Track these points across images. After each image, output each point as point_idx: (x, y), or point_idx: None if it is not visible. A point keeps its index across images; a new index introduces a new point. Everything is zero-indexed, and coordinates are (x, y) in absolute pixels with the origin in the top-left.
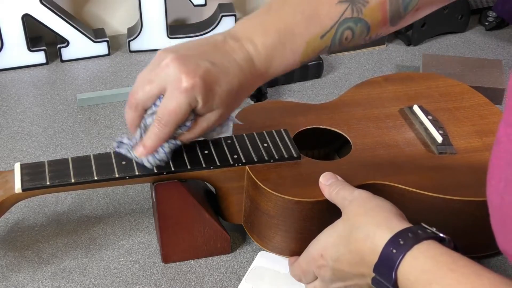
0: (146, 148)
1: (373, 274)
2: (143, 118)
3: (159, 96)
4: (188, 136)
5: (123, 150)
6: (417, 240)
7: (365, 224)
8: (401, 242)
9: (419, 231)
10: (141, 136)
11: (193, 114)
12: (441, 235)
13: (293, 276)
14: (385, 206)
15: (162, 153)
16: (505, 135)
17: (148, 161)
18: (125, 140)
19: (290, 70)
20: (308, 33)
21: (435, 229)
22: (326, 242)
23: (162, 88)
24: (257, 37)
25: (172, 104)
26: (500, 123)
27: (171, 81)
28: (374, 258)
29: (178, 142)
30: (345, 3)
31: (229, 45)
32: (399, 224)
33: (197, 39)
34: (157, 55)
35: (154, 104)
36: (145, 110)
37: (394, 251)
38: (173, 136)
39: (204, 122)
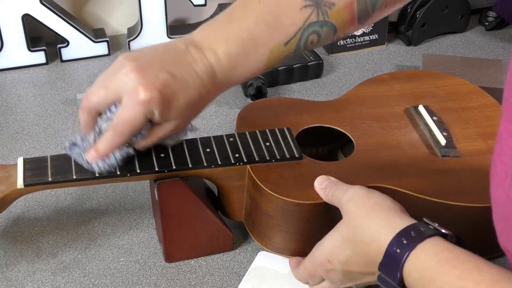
0: (98, 153)
1: (379, 272)
2: (98, 123)
3: (115, 103)
4: (143, 143)
5: (74, 154)
6: (420, 238)
7: (368, 227)
8: (405, 242)
9: (421, 229)
10: (94, 140)
11: (150, 123)
12: (443, 230)
13: (298, 279)
14: (384, 203)
15: (113, 159)
16: (506, 131)
17: (98, 166)
18: (79, 141)
19: (254, 77)
20: (272, 41)
21: (437, 224)
22: (332, 247)
23: (118, 96)
24: (219, 47)
25: (128, 115)
26: (501, 120)
27: (128, 92)
28: (382, 258)
29: (131, 151)
30: (310, 7)
31: (191, 55)
32: (401, 222)
33: (159, 46)
34: (117, 60)
35: (110, 110)
36: (99, 114)
37: (398, 250)
38: (127, 143)
39: (161, 131)
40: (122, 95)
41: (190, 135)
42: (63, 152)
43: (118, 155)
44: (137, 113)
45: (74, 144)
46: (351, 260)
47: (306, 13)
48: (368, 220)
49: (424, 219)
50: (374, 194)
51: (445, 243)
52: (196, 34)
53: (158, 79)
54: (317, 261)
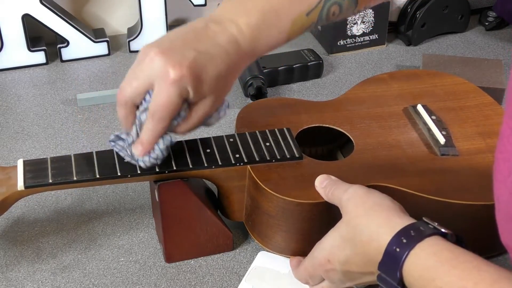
0: (143, 145)
1: (378, 272)
2: (137, 116)
3: (148, 91)
4: (185, 126)
5: (117, 148)
6: (420, 237)
7: (367, 226)
8: (404, 241)
9: (421, 228)
10: (137, 134)
11: (187, 104)
12: (443, 230)
13: (298, 279)
14: (383, 203)
15: (158, 150)
16: (509, 128)
17: (143, 161)
18: (124, 135)
19: (278, 47)
20: (293, 11)
21: (436, 224)
22: (332, 247)
23: (149, 83)
24: (240, 18)
25: (163, 98)
26: (503, 117)
27: (158, 75)
28: (381, 257)
29: (173, 140)
30: None
31: (211, 29)
32: (400, 221)
33: (178, 29)
34: (141, 51)
35: (145, 100)
36: (137, 107)
37: (398, 250)
38: (170, 129)
39: (200, 110)
40: (153, 81)
41: (228, 112)
42: (63, 152)
43: (162, 145)
44: (172, 94)
45: (119, 138)
46: (350, 260)
47: None
48: (367, 220)
49: (423, 218)
50: (373, 194)
51: (444, 243)
52: (214, 12)
53: (185, 56)
54: (317, 261)
